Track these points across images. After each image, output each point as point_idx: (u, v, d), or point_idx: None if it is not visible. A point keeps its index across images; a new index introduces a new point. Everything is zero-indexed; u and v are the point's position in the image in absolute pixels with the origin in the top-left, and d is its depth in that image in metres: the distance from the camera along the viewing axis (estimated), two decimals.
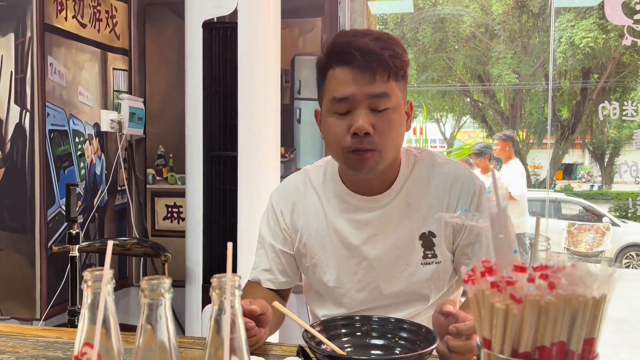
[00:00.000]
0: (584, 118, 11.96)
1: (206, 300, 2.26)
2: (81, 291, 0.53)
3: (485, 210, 0.68)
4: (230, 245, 0.53)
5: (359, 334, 0.89)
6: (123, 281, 2.71)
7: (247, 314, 0.90)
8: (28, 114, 2.12)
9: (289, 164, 2.54)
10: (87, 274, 0.52)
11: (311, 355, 0.81)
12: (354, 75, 1.01)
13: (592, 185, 13.80)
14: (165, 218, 2.74)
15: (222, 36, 2.21)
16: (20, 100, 2.12)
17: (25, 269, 2.13)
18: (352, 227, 1.12)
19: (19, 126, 2.12)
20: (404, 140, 1.11)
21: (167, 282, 0.50)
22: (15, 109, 2.12)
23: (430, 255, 1.09)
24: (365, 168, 1.04)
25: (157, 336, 0.49)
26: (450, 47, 12.36)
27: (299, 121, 2.55)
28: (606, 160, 13.07)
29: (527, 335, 0.50)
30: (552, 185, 12.60)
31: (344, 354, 0.81)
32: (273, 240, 1.19)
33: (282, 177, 2.31)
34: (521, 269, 0.52)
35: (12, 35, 2.11)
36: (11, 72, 2.11)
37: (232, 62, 2.15)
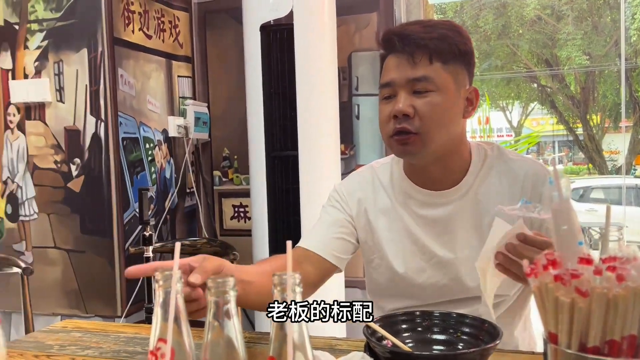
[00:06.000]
0: None
1: None
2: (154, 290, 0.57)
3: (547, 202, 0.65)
4: (289, 243, 0.55)
5: (419, 329, 0.88)
6: None
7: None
8: (103, 123, 2.25)
9: (349, 161, 2.55)
10: (158, 274, 0.55)
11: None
12: (396, 60, 1.03)
13: None
14: (232, 218, 2.83)
15: (279, 38, 2.25)
16: (95, 111, 2.25)
17: (106, 270, 2.27)
18: (421, 223, 1.11)
19: (95, 135, 2.26)
20: (460, 127, 1.07)
21: (231, 280, 0.53)
22: (91, 120, 2.26)
23: None
24: (408, 152, 1.04)
25: (224, 332, 0.52)
26: (513, 32, 11.89)
27: (357, 117, 2.56)
28: None
29: (595, 329, 0.49)
30: (631, 171, 11.84)
31: (408, 349, 0.81)
32: (332, 221, 1.17)
33: (343, 174, 2.32)
34: (587, 261, 0.50)
35: (85, 51, 2.25)
36: (86, 85, 2.26)
37: (290, 63, 2.18)
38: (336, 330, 2.18)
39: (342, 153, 2.45)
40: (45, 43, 2.30)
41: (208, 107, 2.81)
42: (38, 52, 2.31)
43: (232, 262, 2.16)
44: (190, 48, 2.82)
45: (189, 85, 2.81)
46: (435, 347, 0.86)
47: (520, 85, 13.66)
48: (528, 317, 1.19)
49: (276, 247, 2.30)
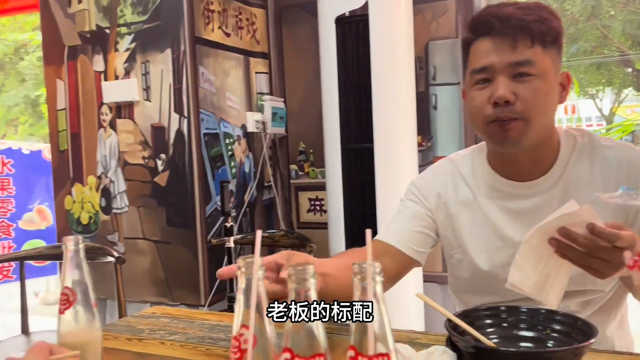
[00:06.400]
0: None
1: None
2: (237, 278, 0.58)
3: None
4: (368, 232, 0.54)
5: (505, 325, 0.84)
6: None
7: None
8: (185, 120, 2.35)
9: (426, 153, 2.49)
10: (240, 262, 0.57)
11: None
12: (494, 43, 0.98)
13: None
14: (308, 211, 2.86)
15: (354, 30, 2.24)
16: (178, 108, 2.36)
17: (190, 260, 2.37)
18: (507, 217, 1.06)
19: (179, 132, 2.37)
20: (555, 114, 1.02)
21: (311, 267, 0.52)
22: (175, 117, 2.37)
23: None
24: (509, 140, 0.98)
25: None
26: (604, 14, 11.09)
27: (435, 108, 2.49)
28: None
29: None
30: None
31: (493, 345, 0.77)
32: (410, 215, 1.14)
33: (420, 166, 2.28)
34: None
35: (169, 51, 2.36)
36: (170, 84, 2.36)
37: (365, 55, 2.17)
38: (415, 323, 2.16)
39: (419, 145, 2.40)
40: (133, 45, 2.43)
41: (284, 102, 2.85)
42: (127, 54, 2.45)
43: (310, 254, 2.19)
44: (267, 44, 2.87)
45: (266, 81, 2.87)
46: (522, 344, 0.82)
47: (612, 70, 12.72)
48: (625, 315, 1.11)
49: (352, 240, 2.30)
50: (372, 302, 0.49)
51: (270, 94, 2.87)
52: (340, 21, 2.25)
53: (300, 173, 2.86)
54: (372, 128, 2.16)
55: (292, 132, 2.86)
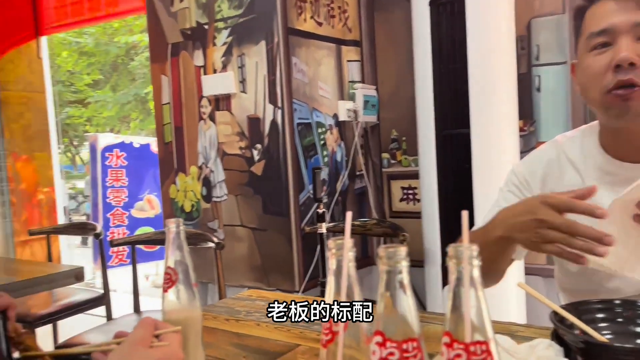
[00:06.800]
0: None
1: (447, 280, 2.25)
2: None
3: None
4: (465, 213, 0.51)
5: (619, 320, 0.76)
6: (365, 260, 2.88)
7: None
8: (279, 111, 2.40)
9: (528, 138, 2.35)
10: (330, 242, 0.56)
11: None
12: (614, 4, 0.90)
13: None
14: (401, 200, 2.82)
15: (449, 12, 2.15)
16: (272, 99, 2.41)
17: (285, 247, 2.43)
18: None
19: (273, 122, 2.42)
20: None
21: (403, 249, 0.51)
22: (269, 108, 2.43)
23: None
24: (631, 111, 0.88)
25: (396, 303, 0.50)
26: None
27: (538, 90, 2.34)
28: None
29: None
30: None
31: (606, 340, 0.71)
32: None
33: (522, 152, 2.15)
34: None
35: (263, 43, 2.41)
36: (264, 75, 2.42)
37: (461, 37, 2.08)
38: (515, 315, 2.05)
39: (521, 130, 2.27)
40: (230, 39, 2.52)
41: (376, 89, 2.82)
42: (224, 48, 2.55)
43: (402, 244, 2.16)
44: (358, 32, 2.85)
45: (357, 69, 2.85)
46: (639, 340, 0.74)
47: None
48: None
49: (447, 230, 2.23)
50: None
51: (362, 81, 2.85)
52: (435, 2, 2.17)
53: (392, 161, 2.82)
54: (469, 113, 2.07)
55: (384, 119, 2.82)
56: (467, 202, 2.10)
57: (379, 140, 2.86)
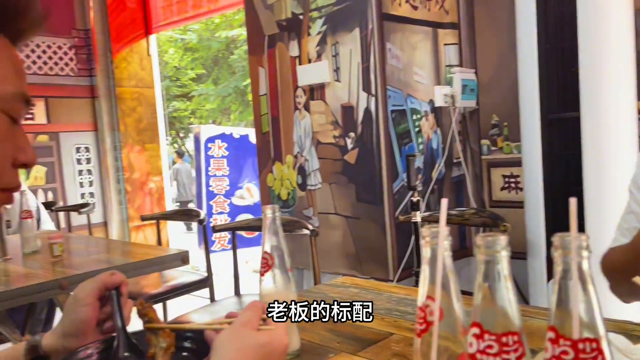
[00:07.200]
0: None
1: (552, 273, 2.12)
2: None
3: None
4: (573, 200, 0.46)
5: None
6: (463, 251, 2.79)
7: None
8: (373, 98, 2.38)
9: None
10: (425, 230, 0.54)
11: None
12: None
13: None
14: (502, 189, 2.68)
15: None
16: (366, 87, 2.40)
17: (379, 236, 2.42)
18: None
19: (367, 110, 2.41)
20: None
21: (503, 238, 0.48)
22: (363, 95, 2.41)
23: None
24: None
25: (495, 293, 0.47)
26: None
27: None
28: None
29: None
30: None
31: None
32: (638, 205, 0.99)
33: None
34: None
35: (357, 30, 2.40)
36: (358, 63, 2.41)
37: (571, 12, 1.92)
38: (632, 315, 1.88)
39: (639, 112, 2.06)
40: (324, 28, 2.53)
41: (475, 73, 2.70)
42: (318, 37, 2.57)
43: (503, 234, 2.06)
44: (456, 14, 2.74)
45: (455, 52, 2.74)
46: None
47: None
48: None
49: (553, 220, 2.10)
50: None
51: (460, 65, 2.74)
52: None
53: (492, 148, 2.69)
54: (579, 95, 1.91)
55: (483, 104, 2.70)
56: (577, 191, 1.95)
57: (478, 126, 2.74)
